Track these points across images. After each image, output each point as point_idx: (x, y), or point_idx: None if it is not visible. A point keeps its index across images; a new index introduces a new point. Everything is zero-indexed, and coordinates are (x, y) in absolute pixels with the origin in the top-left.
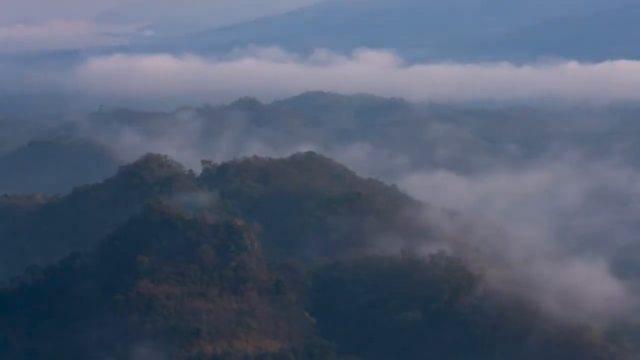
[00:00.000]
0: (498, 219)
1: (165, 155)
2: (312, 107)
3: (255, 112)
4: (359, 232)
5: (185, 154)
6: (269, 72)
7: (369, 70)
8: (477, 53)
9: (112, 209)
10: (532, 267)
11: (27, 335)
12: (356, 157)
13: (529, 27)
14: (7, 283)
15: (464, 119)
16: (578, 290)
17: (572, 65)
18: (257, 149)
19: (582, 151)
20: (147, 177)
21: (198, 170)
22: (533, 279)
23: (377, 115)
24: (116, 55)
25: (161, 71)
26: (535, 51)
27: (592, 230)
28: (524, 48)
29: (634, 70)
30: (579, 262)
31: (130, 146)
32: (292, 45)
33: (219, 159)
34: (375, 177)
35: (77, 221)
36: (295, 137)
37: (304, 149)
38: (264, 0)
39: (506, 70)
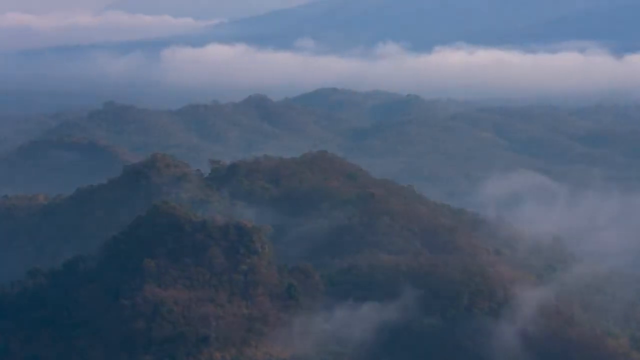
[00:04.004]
0: (518, 221)
1: (172, 155)
2: (325, 104)
3: (265, 109)
4: (374, 235)
5: (193, 153)
6: (277, 68)
7: (384, 66)
8: (496, 46)
9: (117, 210)
10: (551, 269)
11: (28, 341)
12: (371, 157)
13: (550, 19)
14: (8, 287)
15: (482, 116)
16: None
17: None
18: (267, 148)
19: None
20: (153, 177)
21: (206, 170)
22: (552, 282)
23: (393, 112)
24: (120, 51)
25: (167, 67)
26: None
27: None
28: (542, 41)
29: None
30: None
31: (135, 145)
32: (302, 40)
33: (228, 159)
34: (390, 177)
35: (81, 223)
36: (307, 135)
37: (317, 148)
38: None
39: (525, 63)
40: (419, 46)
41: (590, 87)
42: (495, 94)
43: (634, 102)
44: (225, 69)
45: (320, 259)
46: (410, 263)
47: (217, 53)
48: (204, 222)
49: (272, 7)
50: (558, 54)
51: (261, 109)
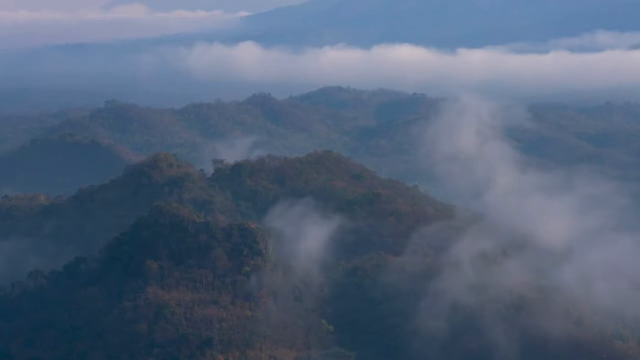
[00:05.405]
0: (525, 221)
1: (175, 154)
2: (330, 103)
3: (269, 108)
4: (380, 235)
5: (195, 152)
6: (282, 67)
7: (388, 64)
8: (507, 44)
9: (119, 210)
10: (558, 271)
11: (28, 344)
12: (377, 156)
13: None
14: (8, 288)
15: (489, 115)
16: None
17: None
18: (271, 147)
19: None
20: (156, 177)
21: (210, 170)
22: (560, 284)
23: (398, 111)
24: (123, 49)
25: (169, 65)
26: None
27: None
28: (549, 40)
29: None
30: None
31: (137, 144)
32: (306, 37)
33: (231, 158)
34: (396, 177)
35: (82, 223)
36: (312, 134)
37: (322, 147)
38: None
39: (531, 61)
40: (424, 45)
41: (600, 85)
42: (502, 92)
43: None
44: (228, 67)
45: (326, 260)
46: (416, 264)
47: (220, 51)
48: (207, 223)
49: (276, 4)
50: (564, 53)
51: (265, 108)
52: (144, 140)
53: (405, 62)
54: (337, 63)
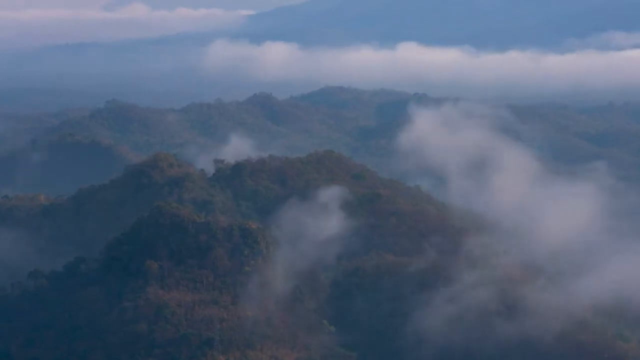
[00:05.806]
0: (526, 221)
1: (175, 154)
2: (331, 103)
3: (270, 108)
4: (380, 235)
5: (196, 152)
6: (284, 66)
7: (391, 64)
8: (509, 44)
9: (119, 210)
10: (561, 272)
11: (28, 344)
12: (377, 156)
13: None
14: (8, 288)
15: (491, 115)
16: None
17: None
18: (272, 147)
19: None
20: (156, 177)
21: (210, 169)
22: (562, 284)
23: (399, 111)
24: (123, 48)
25: (170, 65)
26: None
27: None
28: (551, 40)
29: None
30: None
31: (138, 144)
32: (308, 37)
33: (232, 158)
34: (397, 177)
35: (82, 224)
36: (312, 134)
37: (323, 147)
38: None
39: (534, 62)
40: (426, 44)
41: (601, 85)
42: (503, 93)
43: None
44: (230, 66)
45: (327, 260)
46: (417, 264)
47: (222, 50)
48: (208, 223)
49: (277, 3)
50: (567, 53)
51: (266, 108)
52: (144, 140)
53: (407, 61)
54: (339, 62)
